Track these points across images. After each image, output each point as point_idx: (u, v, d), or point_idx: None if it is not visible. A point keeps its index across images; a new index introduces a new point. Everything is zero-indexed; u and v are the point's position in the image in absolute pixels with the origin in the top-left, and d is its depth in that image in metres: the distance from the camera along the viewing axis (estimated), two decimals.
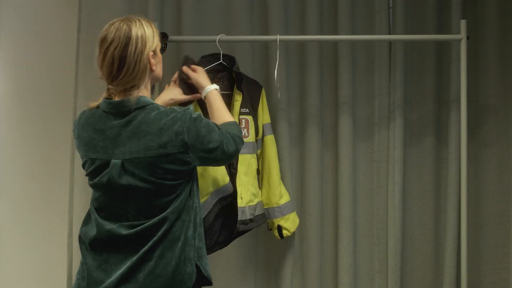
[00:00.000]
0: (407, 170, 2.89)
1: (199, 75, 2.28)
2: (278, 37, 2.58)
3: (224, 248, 2.53)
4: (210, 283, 1.86)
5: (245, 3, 2.84)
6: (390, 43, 2.85)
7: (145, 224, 1.72)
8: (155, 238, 1.71)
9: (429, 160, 2.88)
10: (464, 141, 2.61)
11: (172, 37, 2.75)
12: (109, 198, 1.76)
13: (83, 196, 2.78)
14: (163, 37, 2.57)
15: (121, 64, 1.71)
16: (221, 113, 2.07)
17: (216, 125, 1.85)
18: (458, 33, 2.68)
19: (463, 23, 2.63)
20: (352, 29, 2.86)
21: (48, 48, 3.02)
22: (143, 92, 1.78)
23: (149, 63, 1.77)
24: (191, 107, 1.79)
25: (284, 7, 2.83)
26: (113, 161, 1.70)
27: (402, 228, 2.84)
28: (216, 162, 1.86)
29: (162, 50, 2.60)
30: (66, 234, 2.87)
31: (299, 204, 2.89)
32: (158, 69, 1.84)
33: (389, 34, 2.86)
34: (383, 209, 2.87)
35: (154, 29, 1.81)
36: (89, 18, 2.81)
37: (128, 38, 1.71)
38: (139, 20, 1.79)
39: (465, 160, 2.60)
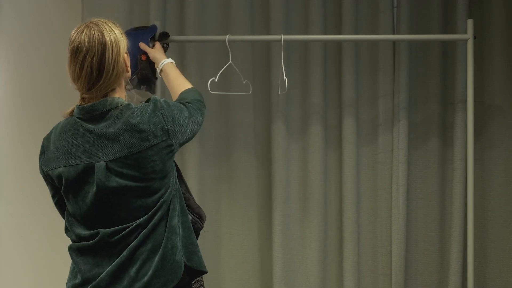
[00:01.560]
0: (412, 172, 2.86)
1: (155, 50, 2.39)
2: (283, 37, 2.58)
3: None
4: (201, 273, 1.82)
5: (246, 2, 2.83)
6: (394, 43, 2.82)
7: (136, 223, 1.70)
8: (145, 231, 1.69)
9: (434, 161, 2.85)
10: (471, 142, 2.58)
11: (176, 37, 2.74)
12: (102, 205, 1.71)
13: None
14: (164, 36, 2.55)
15: (100, 72, 1.70)
16: (178, 82, 2.12)
17: (181, 102, 1.86)
18: (464, 32, 2.66)
19: (470, 22, 2.60)
20: (356, 29, 2.84)
21: (50, 49, 3.01)
22: (119, 93, 1.78)
23: (125, 64, 1.78)
24: (156, 97, 1.79)
25: (286, 7, 2.82)
26: (98, 164, 1.67)
27: (406, 230, 2.81)
28: (193, 135, 1.88)
29: (164, 50, 2.58)
30: (68, 238, 2.85)
31: (302, 205, 2.86)
32: (128, 68, 1.84)
33: (393, 34, 2.84)
34: (387, 211, 2.84)
35: (120, 28, 1.81)
36: (90, 17, 2.79)
37: (103, 45, 1.70)
38: (106, 23, 1.77)
39: (472, 161, 2.58)
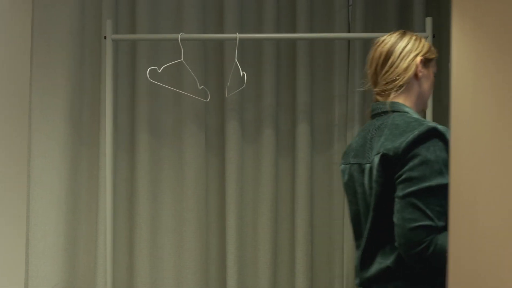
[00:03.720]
0: None
1: None
2: (238, 35, 2.55)
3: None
4: None
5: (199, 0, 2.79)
6: (349, 42, 2.78)
7: None
8: None
9: None
10: None
11: (129, 36, 2.72)
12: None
13: (40, 200, 2.76)
14: None
15: (387, 57, 1.70)
16: None
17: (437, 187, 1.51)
18: (421, 31, 2.62)
19: (428, 20, 2.56)
20: (311, 27, 2.79)
21: (1, 47, 2.96)
22: (403, 99, 1.70)
23: (416, 66, 1.70)
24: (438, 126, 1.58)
25: (239, 5, 2.78)
26: (366, 165, 1.65)
27: None
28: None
29: None
30: (23, 239, 2.83)
31: (254, 207, 2.83)
32: (425, 85, 1.75)
33: (349, 32, 2.80)
34: (342, 212, 2.81)
35: (430, 48, 1.77)
36: (42, 16, 2.77)
37: (400, 38, 1.73)
38: (418, 37, 1.78)
39: None
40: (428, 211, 1.48)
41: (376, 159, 1.59)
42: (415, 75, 1.70)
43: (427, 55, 1.72)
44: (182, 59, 2.54)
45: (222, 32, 2.77)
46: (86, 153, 2.82)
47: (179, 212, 2.79)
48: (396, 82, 1.68)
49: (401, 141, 1.54)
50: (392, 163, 1.55)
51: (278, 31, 2.80)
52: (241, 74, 2.53)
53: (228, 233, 2.75)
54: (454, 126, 1.49)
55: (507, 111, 1.31)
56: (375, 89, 1.73)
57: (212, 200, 2.85)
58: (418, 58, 1.70)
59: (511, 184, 1.28)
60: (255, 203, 2.82)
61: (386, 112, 1.67)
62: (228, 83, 2.65)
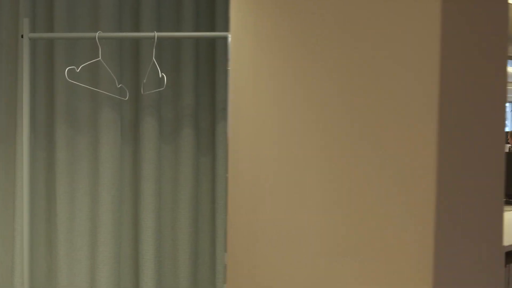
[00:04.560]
0: None
1: None
2: (156, 34, 2.54)
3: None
4: None
5: None
6: None
7: None
8: None
9: None
10: None
11: (46, 34, 2.69)
12: None
13: None
14: None
15: None
16: None
17: None
18: None
19: None
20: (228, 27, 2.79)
21: None
22: None
23: None
24: None
25: (157, 4, 2.76)
26: None
27: None
28: None
29: None
30: None
31: (173, 207, 2.82)
32: None
33: None
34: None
35: None
36: None
37: None
38: None
39: None
40: None
41: None
42: None
43: None
44: (100, 58, 2.54)
45: (140, 31, 2.76)
46: (2, 152, 2.78)
47: (95, 213, 2.76)
48: None
49: None
50: None
51: (197, 30, 2.79)
52: (160, 75, 2.53)
53: (145, 234, 2.73)
54: (232, 120, 1.53)
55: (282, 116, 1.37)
56: None
57: (128, 201, 2.83)
58: None
59: (290, 179, 1.33)
60: (175, 203, 2.81)
61: None
62: (145, 80, 2.65)
